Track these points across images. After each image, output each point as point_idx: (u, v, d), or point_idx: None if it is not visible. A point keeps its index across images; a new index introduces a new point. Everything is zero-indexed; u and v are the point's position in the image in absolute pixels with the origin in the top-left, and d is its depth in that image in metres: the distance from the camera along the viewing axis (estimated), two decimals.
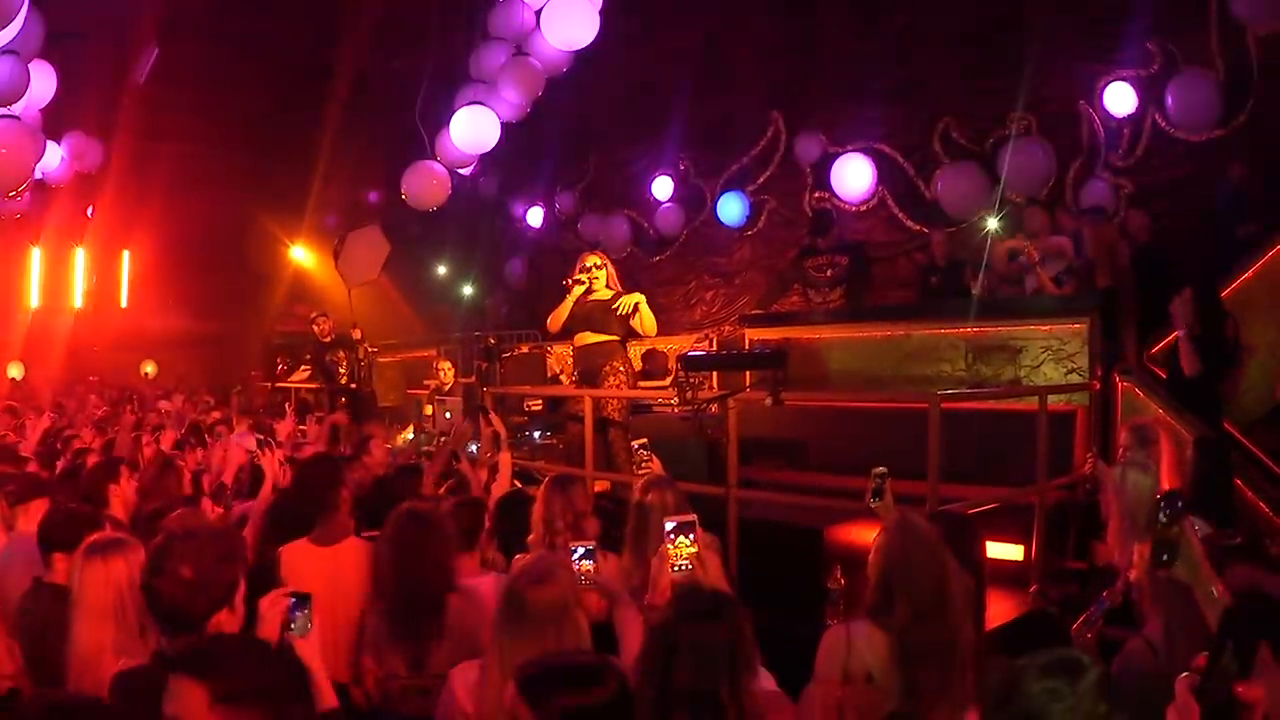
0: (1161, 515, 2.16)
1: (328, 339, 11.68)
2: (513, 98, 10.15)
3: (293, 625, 2.73)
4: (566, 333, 7.34)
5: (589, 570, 3.48)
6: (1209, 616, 2.18)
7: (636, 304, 6.95)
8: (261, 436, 7.34)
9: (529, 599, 2.71)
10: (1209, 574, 2.21)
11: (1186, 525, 2.18)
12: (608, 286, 7.13)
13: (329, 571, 3.93)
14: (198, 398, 12.92)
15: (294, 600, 2.79)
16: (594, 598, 3.82)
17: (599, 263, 7.17)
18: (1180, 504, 2.17)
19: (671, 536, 3.24)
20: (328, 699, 2.76)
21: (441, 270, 17.38)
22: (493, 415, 6.13)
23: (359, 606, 3.79)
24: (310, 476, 4.46)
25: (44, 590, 3.69)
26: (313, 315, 12.12)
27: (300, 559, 4.01)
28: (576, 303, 7.12)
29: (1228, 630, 1.62)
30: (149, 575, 2.48)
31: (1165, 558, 2.16)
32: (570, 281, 7.17)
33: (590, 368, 7.10)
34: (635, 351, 7.40)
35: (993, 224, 9.46)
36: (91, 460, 6.57)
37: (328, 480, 4.34)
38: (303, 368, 13.40)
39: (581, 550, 3.52)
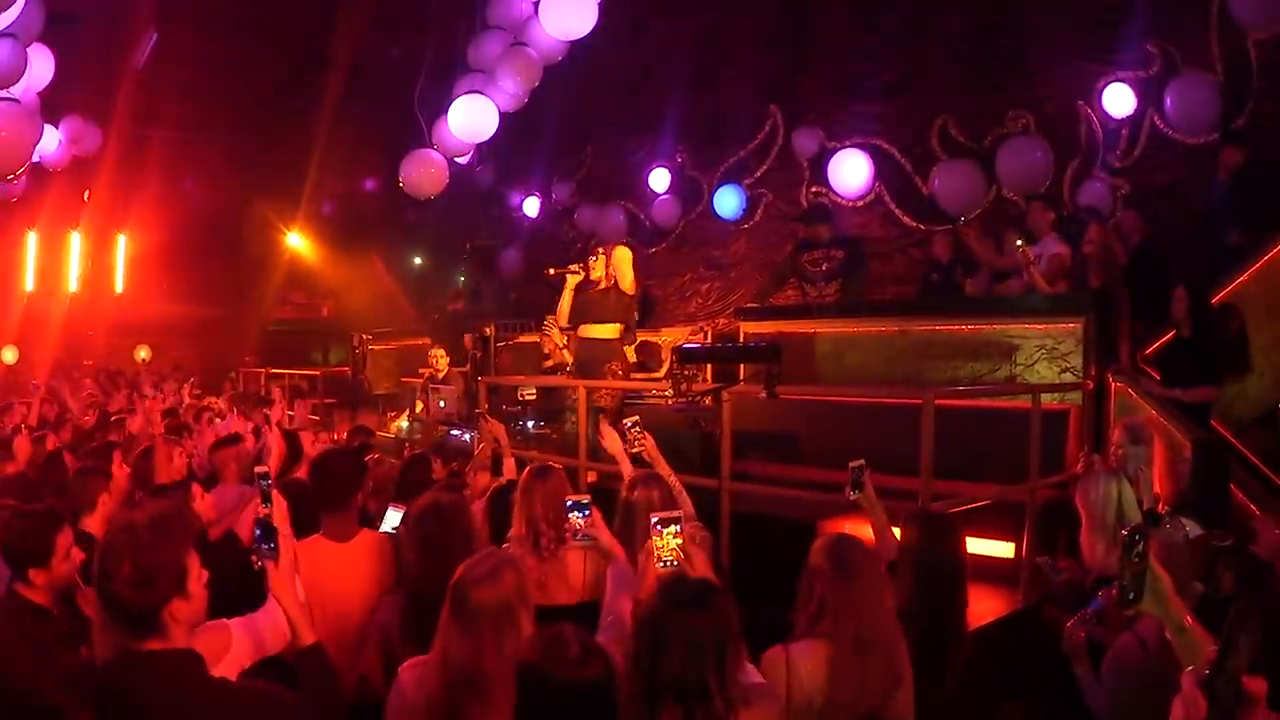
0: (1133, 552, 2.11)
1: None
2: (510, 87, 10.14)
3: (264, 550, 2.72)
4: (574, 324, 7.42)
5: (581, 524, 3.47)
6: (1179, 652, 2.17)
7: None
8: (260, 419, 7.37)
9: (471, 597, 2.69)
10: (1179, 608, 2.19)
11: (1154, 559, 2.15)
12: (607, 274, 7.20)
13: (345, 569, 3.82)
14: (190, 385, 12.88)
15: (260, 531, 2.75)
16: (576, 574, 3.81)
17: (599, 252, 7.27)
18: (1149, 539, 2.14)
19: (658, 529, 3.21)
20: (306, 635, 2.73)
21: (435, 259, 17.41)
22: (493, 421, 6.04)
23: (371, 604, 3.69)
24: (333, 471, 4.24)
25: (23, 609, 3.40)
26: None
27: (314, 557, 3.78)
28: (579, 292, 7.21)
29: (1236, 623, 1.62)
30: (99, 578, 2.43)
31: (1131, 596, 2.11)
32: (559, 270, 7.27)
33: (588, 360, 7.14)
34: (630, 349, 7.51)
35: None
36: (50, 440, 6.56)
37: (350, 478, 4.19)
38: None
39: (573, 503, 3.50)
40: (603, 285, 7.26)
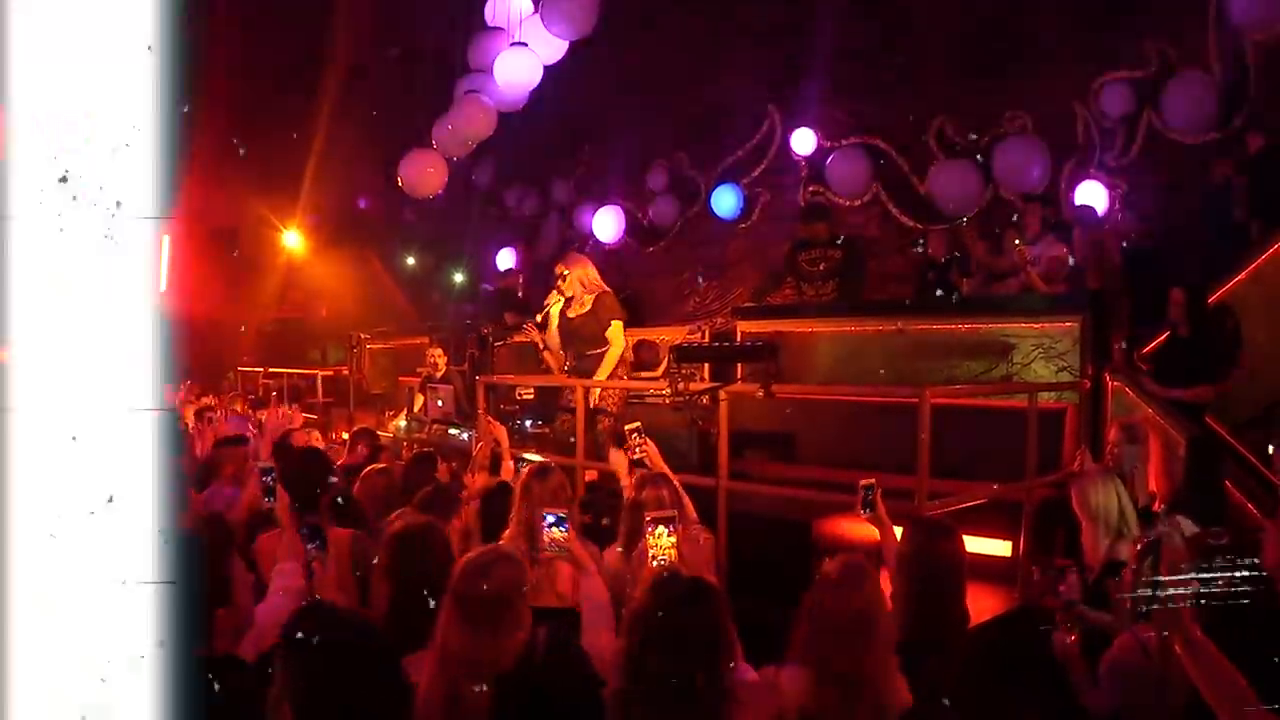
0: (1144, 565, 2.13)
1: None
2: (509, 87, 10.11)
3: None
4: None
5: (560, 538, 3.48)
6: (1190, 670, 2.17)
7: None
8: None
9: (471, 588, 2.70)
10: (1189, 621, 2.19)
11: (1165, 574, 2.16)
12: (586, 291, 7.15)
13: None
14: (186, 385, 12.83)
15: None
16: (566, 581, 3.83)
17: (563, 272, 7.19)
18: (1160, 551, 2.15)
19: (651, 528, 3.23)
20: None
21: (433, 259, 17.39)
22: (493, 422, 6.02)
23: (336, 597, 3.71)
24: (300, 469, 4.37)
25: None
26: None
27: (275, 548, 3.81)
28: (561, 322, 7.17)
29: None
30: None
31: (1144, 610, 2.13)
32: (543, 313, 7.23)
33: (592, 367, 7.11)
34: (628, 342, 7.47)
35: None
36: None
37: (316, 475, 4.29)
38: None
39: (553, 518, 3.51)
40: (583, 307, 7.19)
